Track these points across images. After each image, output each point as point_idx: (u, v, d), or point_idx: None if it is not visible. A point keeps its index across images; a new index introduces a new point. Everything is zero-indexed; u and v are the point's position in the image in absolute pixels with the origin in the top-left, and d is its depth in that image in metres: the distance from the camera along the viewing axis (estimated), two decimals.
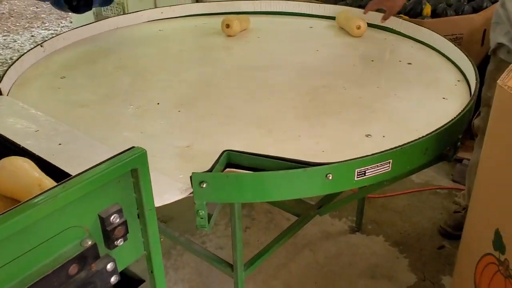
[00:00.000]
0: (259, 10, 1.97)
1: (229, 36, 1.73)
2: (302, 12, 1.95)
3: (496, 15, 1.63)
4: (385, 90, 1.31)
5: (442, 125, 1.04)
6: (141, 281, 0.85)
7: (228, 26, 1.72)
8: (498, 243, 0.82)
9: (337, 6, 1.96)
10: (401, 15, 2.36)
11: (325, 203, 1.59)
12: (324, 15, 1.90)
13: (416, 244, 1.89)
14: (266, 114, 1.20)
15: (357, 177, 0.98)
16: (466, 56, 1.40)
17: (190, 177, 0.89)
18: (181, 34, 1.81)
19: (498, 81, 0.80)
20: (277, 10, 1.97)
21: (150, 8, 1.96)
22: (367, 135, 1.07)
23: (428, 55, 1.55)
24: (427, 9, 2.36)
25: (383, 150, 0.96)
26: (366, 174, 0.99)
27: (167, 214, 2.02)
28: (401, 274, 1.75)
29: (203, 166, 0.90)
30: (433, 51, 1.58)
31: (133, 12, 1.94)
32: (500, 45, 1.56)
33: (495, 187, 0.85)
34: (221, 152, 0.94)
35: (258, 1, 1.99)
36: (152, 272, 0.83)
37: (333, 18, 1.85)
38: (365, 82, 1.37)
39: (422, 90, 1.31)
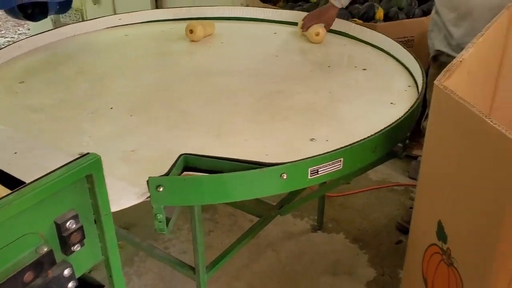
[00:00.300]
0: (225, 16, 2.00)
1: (192, 41, 1.75)
2: (268, 18, 1.98)
3: (432, 22, 1.72)
4: (337, 96, 1.35)
5: (386, 126, 1.09)
6: (100, 286, 0.86)
7: (191, 31, 1.74)
8: (441, 234, 0.87)
9: (302, 12, 1.98)
10: (355, 19, 2.44)
11: (286, 203, 1.63)
12: (289, 21, 1.94)
13: (374, 240, 1.95)
14: (217, 118, 1.22)
15: (311, 176, 1.02)
16: (417, 61, 1.44)
17: (147, 181, 0.90)
18: (146, 39, 1.82)
19: (435, 82, 0.85)
20: (244, 16, 2.00)
21: (108, 15, 1.96)
22: (311, 139, 1.11)
23: (384, 60, 1.60)
24: (380, 13, 2.44)
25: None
26: (319, 172, 1.03)
27: (128, 221, 2.02)
28: (361, 269, 1.81)
29: (147, 171, 0.92)
30: (389, 56, 1.63)
31: (91, 19, 1.93)
32: (439, 52, 1.64)
33: (436, 182, 0.91)
34: (166, 156, 0.96)
35: (224, 7, 2.02)
36: (111, 276, 0.84)
37: (297, 24, 1.88)
38: (319, 87, 1.41)
39: (372, 95, 1.35)
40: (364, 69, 1.53)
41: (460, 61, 0.94)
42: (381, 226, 2.03)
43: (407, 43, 2.30)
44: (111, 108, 1.26)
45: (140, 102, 1.30)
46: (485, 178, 0.74)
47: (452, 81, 0.89)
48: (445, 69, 0.90)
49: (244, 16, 2.01)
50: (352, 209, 2.14)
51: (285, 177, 0.97)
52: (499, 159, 0.70)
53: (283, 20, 1.96)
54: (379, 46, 1.69)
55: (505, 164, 0.69)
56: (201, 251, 1.27)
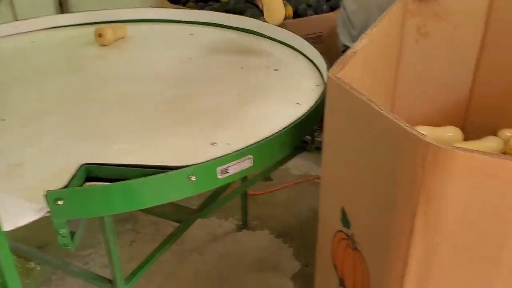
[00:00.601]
0: (138, 18, 1.93)
1: (103, 45, 1.68)
2: (183, 19, 1.93)
3: (339, 17, 1.78)
4: (244, 98, 1.33)
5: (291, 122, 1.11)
6: None
7: (100, 35, 1.67)
8: (345, 220, 0.90)
9: (219, 13, 1.92)
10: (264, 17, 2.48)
11: (206, 205, 1.61)
12: (205, 21, 1.90)
13: (298, 233, 1.99)
14: (117, 125, 1.17)
15: (220, 175, 1.01)
16: (323, 58, 1.46)
17: (45, 195, 0.86)
18: (53, 46, 1.72)
19: (328, 72, 0.88)
20: (158, 18, 1.94)
21: (6, 22, 1.84)
22: (212, 144, 1.08)
23: (296, 59, 1.61)
24: (289, 11, 2.49)
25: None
26: (229, 171, 1.02)
27: (43, 239, 1.91)
28: (286, 263, 1.83)
29: (45, 184, 0.87)
30: (300, 55, 1.63)
31: None
32: (346, 47, 1.69)
33: (335, 170, 0.93)
34: (64, 167, 0.92)
35: (136, 9, 1.94)
36: None
37: (215, 24, 1.85)
38: (227, 89, 1.39)
39: (280, 96, 1.34)
40: (276, 70, 1.53)
41: (354, 52, 0.97)
42: (304, 218, 2.08)
43: (316, 39, 2.37)
44: (3, 119, 1.18)
45: (37, 112, 1.23)
46: (377, 164, 0.77)
47: (347, 72, 0.91)
48: (338, 61, 0.92)
49: (158, 18, 1.95)
50: (276, 205, 2.17)
51: (193, 178, 0.96)
52: (389, 145, 0.73)
53: (199, 20, 1.92)
54: (291, 44, 1.71)
55: (394, 149, 0.72)
56: (117, 262, 1.22)
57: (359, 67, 1.02)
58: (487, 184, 0.63)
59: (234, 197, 1.79)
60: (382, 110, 0.73)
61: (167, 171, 0.94)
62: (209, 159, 0.97)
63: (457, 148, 0.63)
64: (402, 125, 0.68)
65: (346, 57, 0.94)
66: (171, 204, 1.70)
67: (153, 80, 1.46)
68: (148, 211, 1.79)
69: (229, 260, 1.85)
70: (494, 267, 0.69)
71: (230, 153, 1.00)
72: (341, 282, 0.96)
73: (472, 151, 0.62)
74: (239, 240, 1.95)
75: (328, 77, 0.87)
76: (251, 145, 1.03)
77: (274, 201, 2.19)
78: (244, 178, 1.81)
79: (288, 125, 1.09)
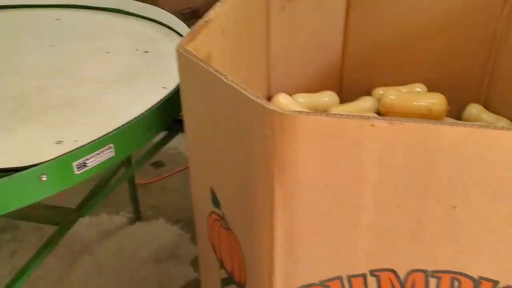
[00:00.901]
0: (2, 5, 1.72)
1: None
2: (50, 3, 1.73)
3: None
4: (106, 85, 1.22)
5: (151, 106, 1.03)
6: None
7: None
8: (215, 200, 0.85)
9: None
10: None
11: (86, 202, 1.50)
12: (75, 4, 1.72)
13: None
14: None
15: (78, 170, 0.92)
16: None
17: None
18: None
19: (176, 46, 0.81)
20: (21, 3, 1.72)
21: None
22: (58, 142, 0.96)
23: (169, 39, 1.50)
24: None
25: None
26: (88, 165, 0.93)
27: None
28: (185, 249, 1.78)
29: None
30: (175, 34, 1.53)
31: None
32: None
33: (200, 149, 0.89)
34: None
35: None
36: None
37: (85, 7, 1.68)
38: (88, 78, 1.26)
39: (146, 81, 1.24)
40: (146, 51, 1.42)
41: (206, 21, 0.92)
42: None
43: (193, 14, 2.29)
44: None
45: None
46: (233, 139, 0.73)
47: (200, 44, 0.86)
48: (188, 32, 0.86)
49: (20, 4, 1.74)
50: (170, 191, 2.10)
51: (44, 178, 0.86)
52: (240, 117, 0.69)
53: (68, 3, 1.73)
54: (163, 22, 1.61)
55: (245, 122, 0.68)
56: None
57: (216, 38, 0.97)
58: (334, 146, 0.61)
59: (119, 189, 1.69)
60: (228, 81, 0.68)
61: (11, 173, 0.83)
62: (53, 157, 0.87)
63: (301, 112, 0.60)
64: (249, 94, 0.64)
65: (197, 28, 0.88)
66: (50, 206, 1.57)
67: (4, 72, 1.30)
68: (24, 217, 1.63)
69: (124, 256, 1.75)
70: (355, 228, 0.68)
71: (85, 145, 0.91)
72: (221, 264, 0.92)
73: (315, 114, 0.60)
74: (133, 233, 1.86)
75: (176, 51, 0.80)
76: (109, 133, 0.94)
77: (168, 188, 2.11)
78: (128, 166, 1.72)
79: (149, 109, 1.02)
